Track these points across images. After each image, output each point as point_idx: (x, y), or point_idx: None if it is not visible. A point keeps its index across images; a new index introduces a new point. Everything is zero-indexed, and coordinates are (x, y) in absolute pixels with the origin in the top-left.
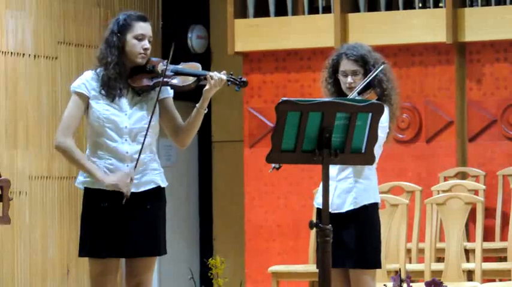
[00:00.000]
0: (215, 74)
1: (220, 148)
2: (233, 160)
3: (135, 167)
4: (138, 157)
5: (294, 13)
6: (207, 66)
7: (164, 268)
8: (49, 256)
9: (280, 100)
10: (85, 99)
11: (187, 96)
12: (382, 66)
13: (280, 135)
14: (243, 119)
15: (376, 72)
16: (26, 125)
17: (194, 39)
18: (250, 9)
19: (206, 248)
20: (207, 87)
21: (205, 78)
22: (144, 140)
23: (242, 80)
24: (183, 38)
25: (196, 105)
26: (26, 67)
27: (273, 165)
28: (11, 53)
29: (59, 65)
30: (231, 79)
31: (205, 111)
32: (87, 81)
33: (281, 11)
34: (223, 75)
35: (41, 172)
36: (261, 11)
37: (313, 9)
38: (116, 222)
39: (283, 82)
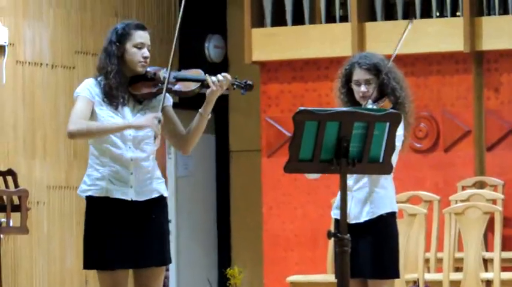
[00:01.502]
0: (218, 77)
1: (237, 158)
2: (251, 169)
3: (162, 107)
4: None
5: (311, 22)
6: (230, 75)
7: (182, 278)
8: (67, 266)
9: (298, 110)
10: (90, 103)
11: (191, 104)
12: (390, 63)
13: (297, 145)
14: (261, 129)
15: (385, 71)
16: (44, 135)
17: (211, 48)
18: (267, 18)
19: (224, 258)
20: (209, 90)
21: (208, 83)
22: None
23: (248, 83)
24: (201, 48)
25: (200, 110)
26: (43, 77)
27: None
28: (29, 62)
29: (76, 75)
30: (236, 83)
31: (209, 117)
32: (91, 86)
33: (298, 20)
34: (226, 77)
35: (59, 182)
36: (278, 20)
37: (330, 18)
38: (122, 233)
39: (301, 91)
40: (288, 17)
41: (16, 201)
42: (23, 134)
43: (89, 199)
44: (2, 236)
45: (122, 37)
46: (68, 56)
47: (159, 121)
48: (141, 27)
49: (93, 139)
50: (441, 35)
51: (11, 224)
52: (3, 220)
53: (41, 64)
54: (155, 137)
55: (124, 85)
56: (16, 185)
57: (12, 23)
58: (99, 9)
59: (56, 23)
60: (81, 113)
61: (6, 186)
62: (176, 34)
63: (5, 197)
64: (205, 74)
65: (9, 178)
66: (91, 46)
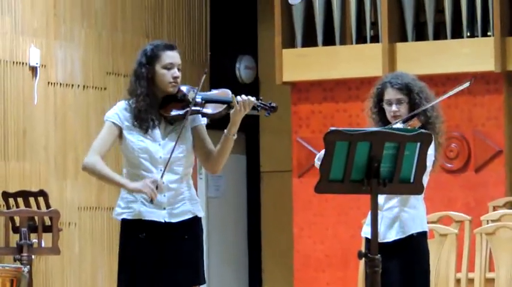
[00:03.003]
0: (242, 97)
1: (268, 178)
2: (282, 190)
3: (162, 175)
4: (168, 160)
5: (342, 43)
6: (255, 97)
7: None
8: (98, 286)
9: (329, 130)
10: (118, 129)
11: (221, 125)
12: (435, 102)
13: (328, 165)
14: (292, 149)
15: (427, 106)
16: (75, 156)
17: (242, 69)
18: (298, 39)
19: (255, 279)
20: (233, 110)
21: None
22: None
23: (272, 105)
24: (232, 69)
25: (225, 130)
26: (75, 98)
27: None
28: (60, 83)
29: (107, 96)
30: (261, 104)
31: (235, 137)
32: (120, 111)
33: (329, 41)
34: (251, 98)
35: (90, 203)
36: (309, 41)
37: (361, 39)
38: (155, 253)
39: (331, 112)
40: (319, 37)
41: (48, 222)
42: (55, 155)
43: (123, 221)
44: (33, 256)
45: (151, 59)
46: (100, 77)
47: (157, 187)
48: (170, 47)
49: (125, 162)
50: (472, 55)
51: (43, 244)
52: (35, 240)
53: (73, 85)
54: (151, 201)
55: (154, 107)
56: (48, 206)
57: (44, 45)
58: (130, 30)
59: (87, 44)
60: (102, 145)
61: (38, 207)
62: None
63: (36, 218)
64: (232, 94)
65: (41, 199)
66: (122, 67)
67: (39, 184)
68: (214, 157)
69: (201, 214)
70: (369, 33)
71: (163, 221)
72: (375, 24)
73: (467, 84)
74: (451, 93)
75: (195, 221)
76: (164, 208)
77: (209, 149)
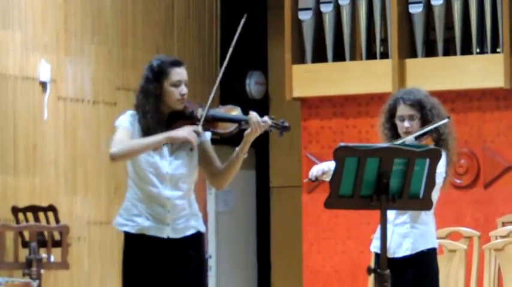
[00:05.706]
0: (256, 119)
1: (278, 194)
2: (291, 205)
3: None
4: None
5: (352, 58)
6: (265, 112)
7: None
8: None
9: (338, 146)
10: (131, 134)
11: (228, 140)
12: (446, 120)
13: (338, 181)
14: (301, 165)
15: (439, 124)
16: (85, 171)
17: (252, 85)
18: (308, 54)
19: None
20: (248, 131)
21: (247, 123)
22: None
23: (284, 124)
24: (241, 84)
25: (236, 148)
26: (84, 113)
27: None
28: (70, 99)
29: (117, 111)
30: (273, 124)
31: (245, 156)
32: (133, 119)
33: (339, 57)
34: (265, 119)
35: (99, 218)
36: (319, 57)
37: (371, 55)
38: (160, 270)
39: (341, 128)
40: (329, 53)
41: (57, 237)
42: (64, 170)
43: (126, 234)
44: (42, 271)
45: (158, 75)
46: (110, 92)
47: (198, 134)
48: (177, 64)
49: (132, 174)
50: (481, 71)
51: (52, 259)
52: (44, 255)
53: (83, 100)
54: (191, 149)
55: (162, 124)
56: (57, 220)
57: (54, 60)
58: (141, 46)
59: (97, 60)
60: (121, 140)
61: (48, 222)
62: (220, 76)
63: (46, 233)
64: (243, 112)
65: (50, 214)
66: (132, 82)
67: (48, 198)
68: (222, 173)
69: (203, 228)
70: (378, 49)
71: (166, 237)
72: (384, 41)
73: (446, 121)
74: (431, 127)
75: (198, 236)
76: (168, 224)
77: (215, 165)
